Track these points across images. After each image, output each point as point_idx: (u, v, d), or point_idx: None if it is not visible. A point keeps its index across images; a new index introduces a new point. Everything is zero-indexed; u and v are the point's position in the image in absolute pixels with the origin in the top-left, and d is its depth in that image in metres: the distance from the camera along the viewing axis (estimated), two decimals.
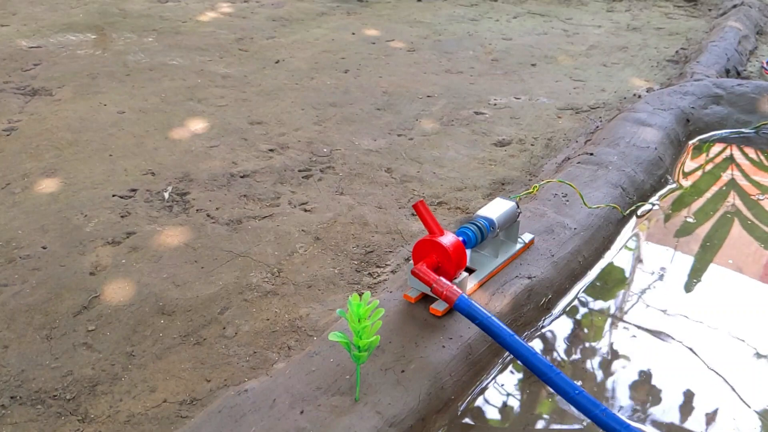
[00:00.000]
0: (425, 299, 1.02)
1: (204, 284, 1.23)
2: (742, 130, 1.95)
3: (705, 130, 1.94)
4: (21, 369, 1.02)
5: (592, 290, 1.21)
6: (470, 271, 1.08)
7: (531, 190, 1.42)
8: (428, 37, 3.07)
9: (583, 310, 1.16)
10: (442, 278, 0.92)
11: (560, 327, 1.11)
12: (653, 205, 1.52)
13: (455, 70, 2.58)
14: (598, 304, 1.17)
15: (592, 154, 1.59)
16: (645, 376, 1.01)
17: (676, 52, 2.85)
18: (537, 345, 1.07)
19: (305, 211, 1.50)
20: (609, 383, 1.00)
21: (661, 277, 1.26)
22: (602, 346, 1.08)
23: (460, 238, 1.00)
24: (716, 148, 1.87)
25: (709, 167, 1.76)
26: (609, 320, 1.14)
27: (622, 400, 0.97)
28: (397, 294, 1.05)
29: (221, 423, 0.84)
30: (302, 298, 1.20)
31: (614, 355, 1.06)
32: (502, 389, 0.98)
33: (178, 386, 0.99)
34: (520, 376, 1.01)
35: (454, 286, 0.91)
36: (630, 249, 1.35)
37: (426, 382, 0.90)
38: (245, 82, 2.35)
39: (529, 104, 2.23)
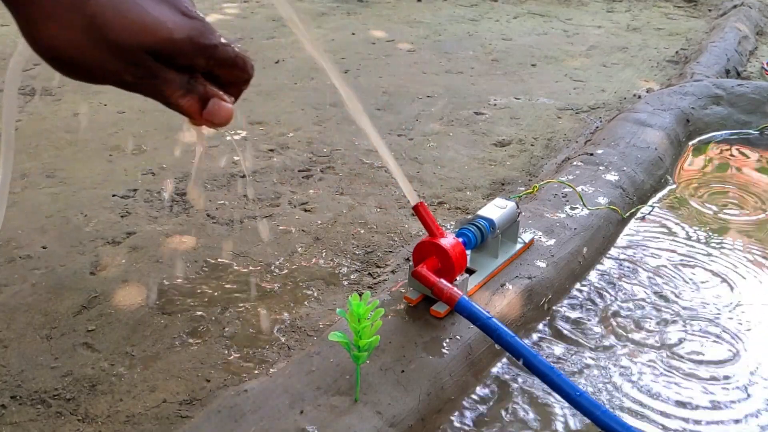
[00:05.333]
0: (426, 300, 1.02)
1: (204, 284, 1.23)
2: (742, 130, 1.95)
3: (705, 130, 1.94)
4: (21, 369, 1.02)
5: (593, 290, 1.21)
6: (470, 272, 1.08)
7: (531, 190, 1.42)
8: (428, 37, 3.07)
9: (583, 310, 1.16)
10: (443, 280, 0.92)
11: (560, 327, 1.11)
12: (653, 205, 1.52)
13: (455, 70, 2.58)
14: (598, 305, 1.17)
15: (592, 154, 1.59)
16: (646, 377, 1.01)
17: (676, 52, 2.85)
18: (536, 345, 1.07)
19: (305, 211, 1.50)
20: (609, 384, 1.00)
21: (661, 277, 1.26)
22: (602, 346, 1.08)
23: (461, 240, 1.00)
24: (716, 148, 1.87)
25: (709, 168, 1.76)
26: (609, 320, 1.14)
27: (624, 401, 0.97)
28: (397, 294, 1.05)
29: (221, 423, 0.84)
30: (302, 298, 1.20)
31: (614, 355, 1.06)
32: (501, 389, 0.98)
33: (178, 386, 0.99)
34: (519, 376, 1.01)
35: (455, 288, 0.91)
36: (630, 249, 1.35)
37: (426, 382, 0.90)
38: None
39: (529, 104, 2.23)
